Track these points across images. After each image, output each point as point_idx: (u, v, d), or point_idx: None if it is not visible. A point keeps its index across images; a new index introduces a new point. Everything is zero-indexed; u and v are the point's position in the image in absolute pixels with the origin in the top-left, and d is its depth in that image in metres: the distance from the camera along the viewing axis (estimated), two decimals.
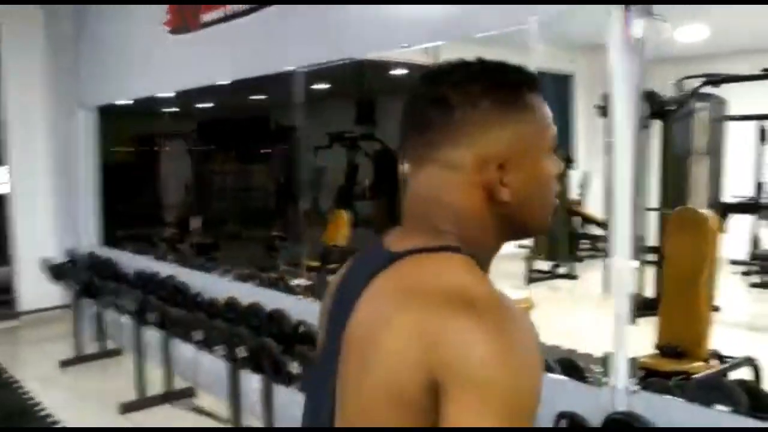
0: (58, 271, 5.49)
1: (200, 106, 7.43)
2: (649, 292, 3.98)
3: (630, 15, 2.12)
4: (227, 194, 9.14)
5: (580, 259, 6.77)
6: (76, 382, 4.75)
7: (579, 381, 2.37)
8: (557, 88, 7.38)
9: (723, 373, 3.01)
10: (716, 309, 3.34)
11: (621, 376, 2.14)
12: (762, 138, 6.12)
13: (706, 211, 3.45)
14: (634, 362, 2.15)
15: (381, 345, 0.75)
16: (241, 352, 3.19)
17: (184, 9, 4.51)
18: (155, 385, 4.22)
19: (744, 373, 3.13)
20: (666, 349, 3.12)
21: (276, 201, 8.00)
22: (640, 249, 2.66)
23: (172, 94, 5.34)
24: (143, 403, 4.14)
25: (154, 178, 8.72)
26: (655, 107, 4.21)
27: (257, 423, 3.47)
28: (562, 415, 2.11)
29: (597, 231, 6.82)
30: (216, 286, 4.28)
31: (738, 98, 4.95)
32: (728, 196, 5.39)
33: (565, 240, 6.47)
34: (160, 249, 6.23)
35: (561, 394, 2.21)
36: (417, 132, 0.86)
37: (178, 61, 4.74)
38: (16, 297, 6.32)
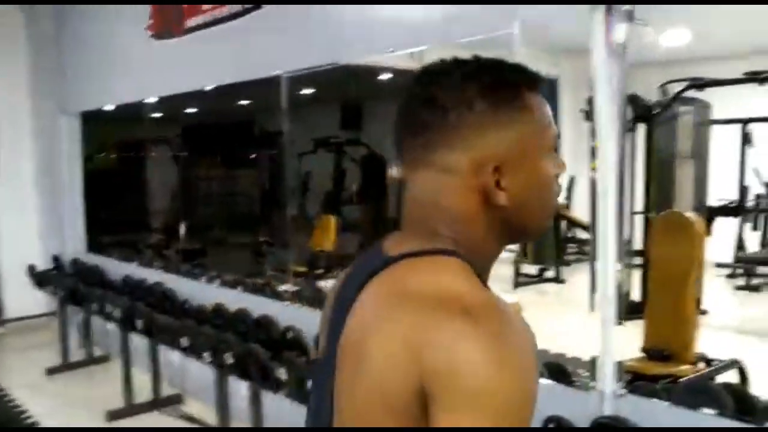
0: (43, 278, 5.45)
1: (186, 111, 7.39)
2: (636, 295, 4.00)
3: (612, 19, 2.13)
4: (213, 200, 9.10)
5: (568, 263, 6.79)
6: (62, 389, 4.71)
7: (567, 385, 2.38)
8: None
9: (709, 376, 3.03)
10: (702, 312, 3.36)
11: (608, 380, 2.15)
12: (746, 141, 6.17)
13: (690, 215, 3.47)
14: (620, 366, 2.16)
15: (372, 350, 0.74)
16: (229, 358, 3.17)
17: (168, 14, 4.49)
18: (143, 392, 4.20)
19: (731, 376, 3.15)
20: (653, 353, 3.14)
21: (262, 206, 7.98)
22: (626, 252, 2.67)
23: (156, 100, 5.31)
24: (130, 410, 4.12)
25: (140, 184, 8.65)
26: (640, 111, 4.24)
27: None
28: (549, 419, 2.12)
29: (584, 235, 6.85)
30: (203, 292, 4.26)
31: (721, 102, 4.99)
32: (713, 200, 5.43)
33: (552, 244, 6.49)
34: (146, 255, 6.20)
35: (548, 398, 2.20)
36: (411, 134, 0.84)
37: (163, 67, 4.71)
38: (1, 304, 6.26)
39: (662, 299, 3.27)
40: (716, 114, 5.16)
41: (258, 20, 3.76)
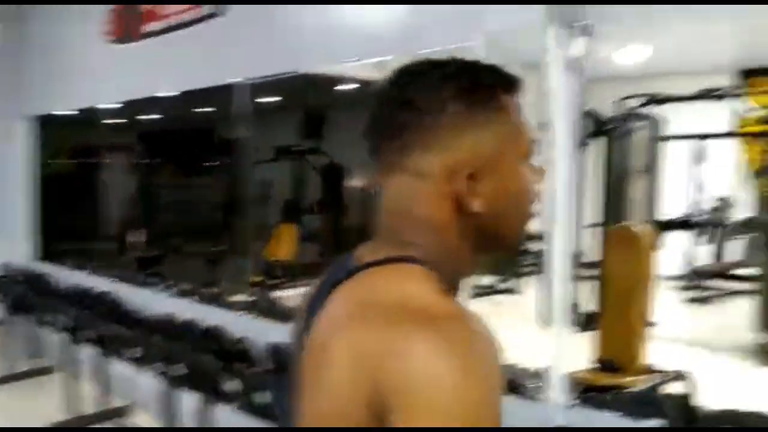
0: None
1: (146, 117, 7.28)
2: (592, 307, 4.04)
3: (568, 34, 2.16)
4: (171, 207, 8.96)
5: (522, 275, 6.84)
6: (5, 401, 4.55)
7: (518, 396, 2.39)
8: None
9: (655, 387, 3.07)
10: (651, 324, 3.41)
11: (558, 391, 2.16)
12: (697, 157, 6.33)
13: (640, 228, 3.53)
14: (571, 377, 2.17)
15: (328, 361, 0.72)
16: (178, 369, 3.11)
17: (126, 18, 4.43)
18: (90, 403, 4.09)
19: (681, 387, 3.20)
20: (605, 364, 3.18)
21: (221, 215, 7.88)
22: (580, 264, 2.70)
23: (116, 105, 5.22)
24: (76, 422, 4.00)
25: (97, 191, 8.49)
26: (596, 126, 4.30)
27: None
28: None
29: (539, 246, 6.91)
30: (156, 301, 4.18)
31: (675, 118, 5.11)
32: (664, 214, 5.54)
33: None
34: (100, 263, 6.06)
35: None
36: (388, 137, 0.82)
37: (121, 72, 4.64)
38: None
39: (613, 310, 3.31)
40: (670, 130, 5.27)
41: (218, 27, 3.73)
